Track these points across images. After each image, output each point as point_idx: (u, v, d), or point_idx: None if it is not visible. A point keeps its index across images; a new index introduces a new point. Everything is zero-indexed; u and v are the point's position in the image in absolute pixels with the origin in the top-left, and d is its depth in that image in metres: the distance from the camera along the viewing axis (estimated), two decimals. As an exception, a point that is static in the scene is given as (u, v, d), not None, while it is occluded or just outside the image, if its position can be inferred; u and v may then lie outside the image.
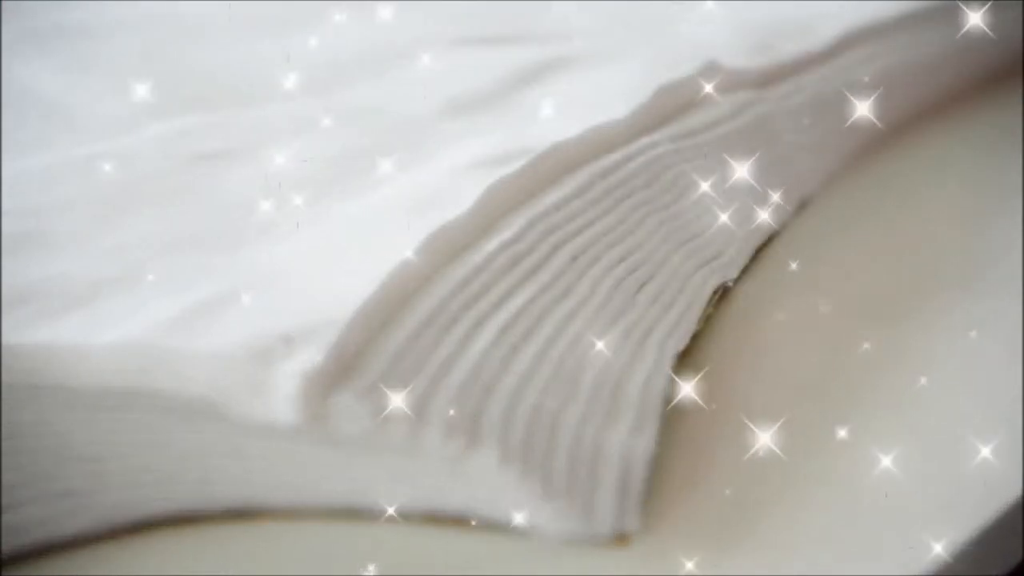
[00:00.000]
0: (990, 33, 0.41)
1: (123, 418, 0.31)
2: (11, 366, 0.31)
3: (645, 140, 0.36)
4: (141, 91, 0.39)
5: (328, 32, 0.41)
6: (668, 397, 0.33)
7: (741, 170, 0.36)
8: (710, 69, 0.38)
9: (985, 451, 0.31)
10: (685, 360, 0.35)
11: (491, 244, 0.32)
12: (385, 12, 0.41)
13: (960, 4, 0.42)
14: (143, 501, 0.31)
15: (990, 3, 0.41)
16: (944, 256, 0.37)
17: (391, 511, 0.31)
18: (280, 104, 0.37)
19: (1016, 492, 0.31)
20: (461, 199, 0.33)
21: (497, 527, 0.31)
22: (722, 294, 0.37)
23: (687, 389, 0.33)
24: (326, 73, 0.39)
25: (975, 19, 0.40)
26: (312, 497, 0.31)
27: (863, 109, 0.38)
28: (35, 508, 0.31)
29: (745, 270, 0.38)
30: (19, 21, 0.43)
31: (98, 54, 0.41)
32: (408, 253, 0.32)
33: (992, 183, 0.41)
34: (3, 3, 0.44)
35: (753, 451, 0.32)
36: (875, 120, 0.39)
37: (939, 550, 0.29)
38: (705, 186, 0.37)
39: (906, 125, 0.42)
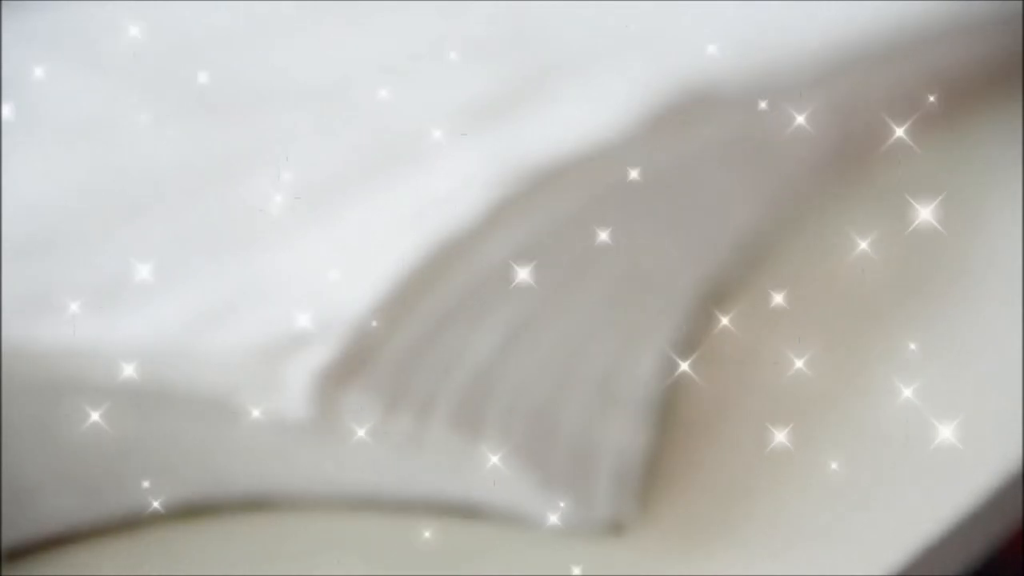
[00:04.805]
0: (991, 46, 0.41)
1: (138, 415, 0.32)
2: (29, 364, 0.31)
3: (642, 151, 0.37)
4: (151, 94, 0.39)
5: (334, 41, 0.41)
6: (664, 394, 0.34)
7: (736, 179, 0.37)
8: (704, 84, 0.38)
9: (975, 450, 0.32)
10: (681, 359, 0.35)
11: (494, 248, 0.33)
12: (388, 22, 0.41)
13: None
14: (158, 494, 0.32)
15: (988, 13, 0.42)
16: (944, 257, 0.38)
17: (396, 502, 0.32)
18: (287, 110, 0.38)
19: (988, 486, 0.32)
20: (466, 205, 0.34)
21: (498, 518, 0.31)
22: (718, 297, 0.38)
23: (683, 387, 0.34)
24: (332, 81, 0.39)
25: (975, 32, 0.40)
26: (321, 489, 0.32)
27: (858, 119, 0.39)
28: (51, 502, 0.32)
29: (742, 274, 0.39)
30: (28, 20, 0.43)
31: (108, 56, 0.41)
32: (415, 256, 0.32)
33: (992, 184, 0.42)
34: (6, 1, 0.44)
35: (746, 447, 0.32)
36: (869, 129, 0.40)
37: (926, 544, 0.30)
38: (701, 195, 0.37)
39: (907, 129, 0.42)
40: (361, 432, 0.31)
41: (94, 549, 0.32)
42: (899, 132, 0.38)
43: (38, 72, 0.40)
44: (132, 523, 0.32)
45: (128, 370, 0.31)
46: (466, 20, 0.41)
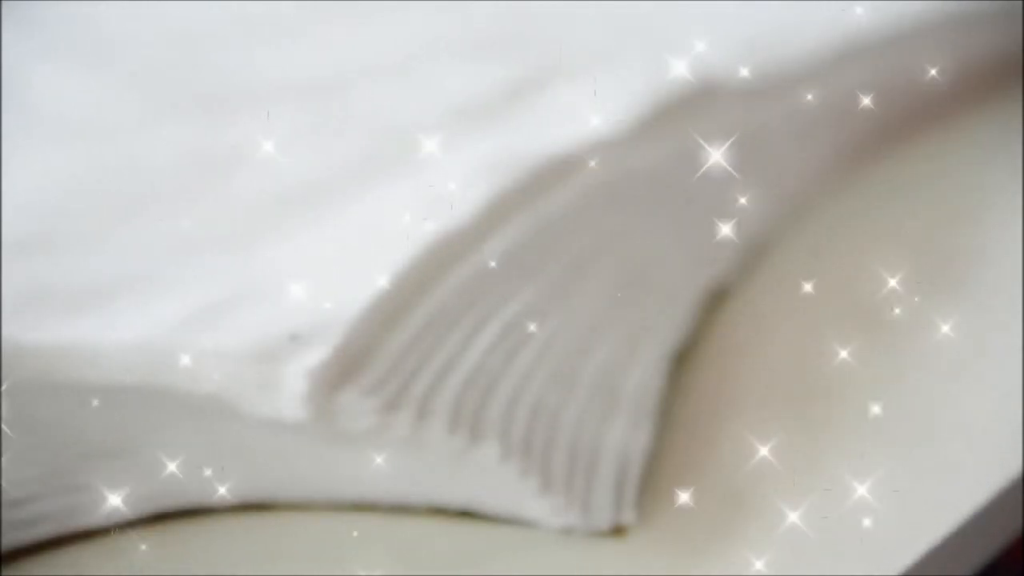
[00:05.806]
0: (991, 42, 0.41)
1: (137, 415, 0.32)
2: (28, 364, 0.31)
3: (642, 149, 0.37)
4: (149, 93, 0.39)
5: (332, 39, 0.41)
6: (664, 395, 0.34)
7: (735, 178, 0.37)
8: (704, 82, 0.38)
9: (976, 454, 0.33)
10: (681, 360, 0.35)
11: (492, 247, 0.33)
12: (386, 21, 0.41)
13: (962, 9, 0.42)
14: (156, 495, 0.32)
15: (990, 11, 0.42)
16: (942, 259, 0.38)
17: (396, 504, 0.32)
18: (286, 109, 0.38)
19: (991, 489, 0.32)
20: (463, 204, 0.34)
21: (498, 520, 0.32)
22: (718, 297, 0.38)
23: (683, 387, 0.34)
24: (331, 79, 0.39)
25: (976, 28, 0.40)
26: (319, 491, 0.32)
27: (859, 119, 0.39)
28: (52, 502, 0.32)
29: (741, 273, 0.39)
30: (23, 19, 0.43)
31: (106, 55, 0.41)
32: (412, 255, 0.32)
33: (991, 184, 0.42)
34: (5, 1, 0.44)
35: (746, 448, 0.32)
36: (871, 128, 0.40)
37: (926, 548, 0.30)
38: (700, 193, 0.37)
39: (903, 128, 0.42)
40: (358, 433, 0.31)
41: (94, 549, 0.32)
42: (896, 133, 0.38)
43: (37, 71, 0.40)
44: (132, 523, 0.32)
45: (127, 369, 0.31)
46: (465, 19, 0.41)
